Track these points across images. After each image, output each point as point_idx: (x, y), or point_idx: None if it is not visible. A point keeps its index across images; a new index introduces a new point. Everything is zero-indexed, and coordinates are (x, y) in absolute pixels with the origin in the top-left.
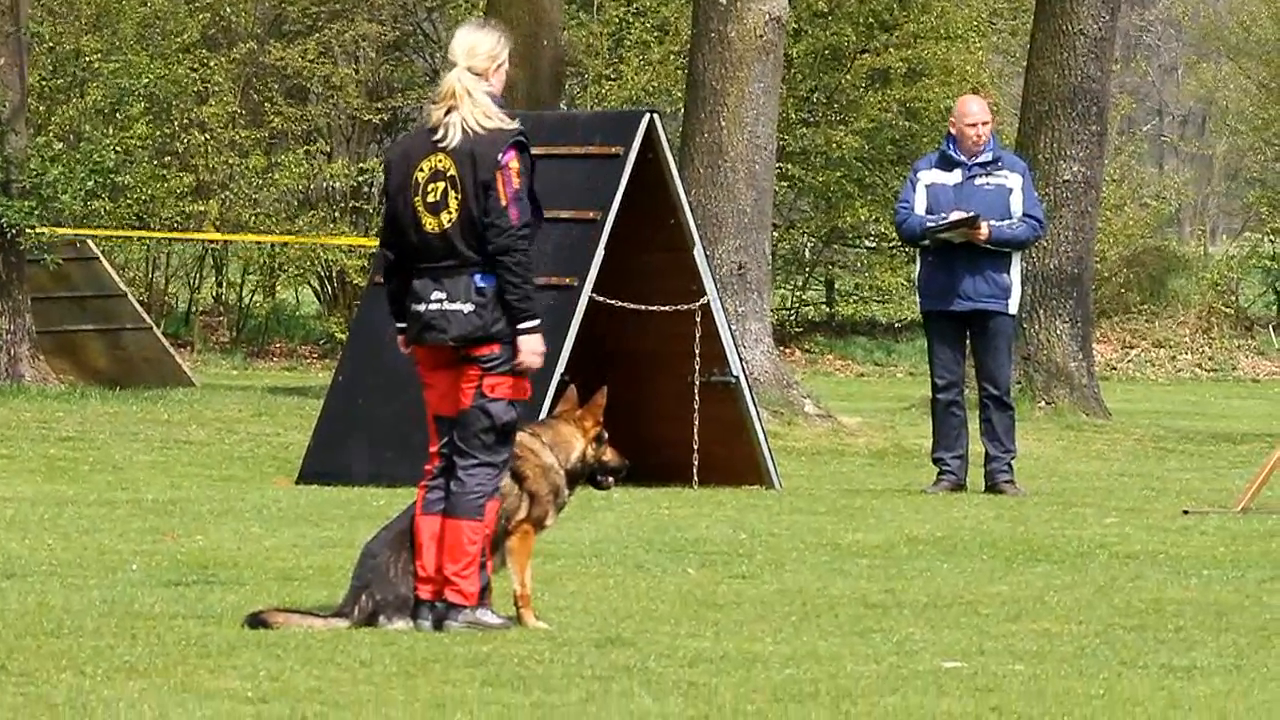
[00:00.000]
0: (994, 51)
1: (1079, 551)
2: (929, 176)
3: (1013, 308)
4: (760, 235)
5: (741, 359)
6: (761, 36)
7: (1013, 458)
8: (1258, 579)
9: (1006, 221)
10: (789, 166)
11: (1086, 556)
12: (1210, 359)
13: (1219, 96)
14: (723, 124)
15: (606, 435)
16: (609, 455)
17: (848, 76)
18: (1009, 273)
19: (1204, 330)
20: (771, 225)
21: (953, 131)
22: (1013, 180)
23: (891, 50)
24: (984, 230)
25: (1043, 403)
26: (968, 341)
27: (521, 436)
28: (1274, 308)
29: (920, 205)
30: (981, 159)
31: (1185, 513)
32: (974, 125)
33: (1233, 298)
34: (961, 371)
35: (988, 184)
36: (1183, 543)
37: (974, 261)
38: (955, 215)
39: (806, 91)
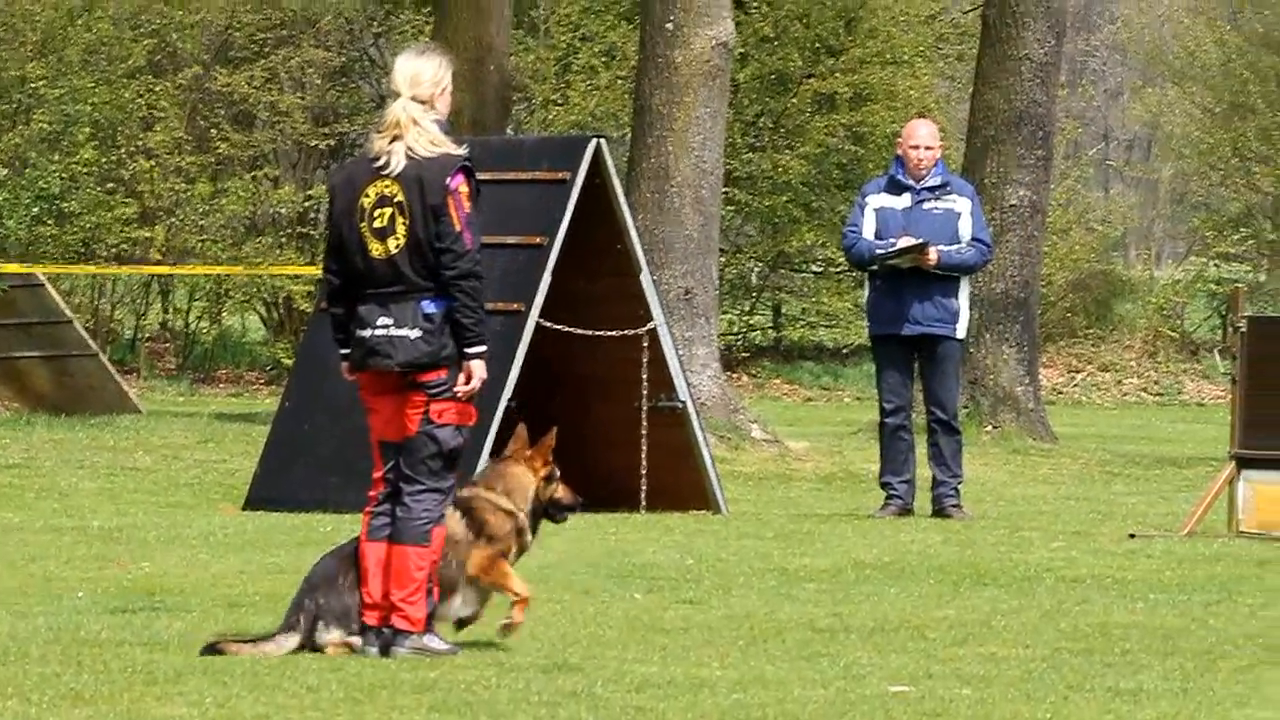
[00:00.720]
0: (940, 76)
1: (1025, 575)
2: (877, 200)
3: (960, 332)
4: (707, 260)
5: (688, 384)
6: (708, 62)
7: (959, 482)
8: (1203, 602)
9: (955, 246)
10: (735, 191)
11: (1033, 580)
12: (1156, 383)
13: (1164, 121)
14: (669, 149)
15: (558, 473)
16: (561, 493)
17: (794, 101)
18: (957, 297)
19: (1150, 354)
20: (718, 250)
21: (900, 155)
22: (961, 204)
23: (838, 75)
24: (933, 255)
25: (989, 427)
26: (916, 366)
27: (476, 492)
28: (1219, 331)
29: (869, 229)
30: (930, 183)
31: (1131, 536)
32: (920, 148)
33: (1178, 322)
34: (909, 396)
35: (936, 208)
36: (1129, 566)
37: (922, 286)
38: (904, 242)
39: (753, 116)
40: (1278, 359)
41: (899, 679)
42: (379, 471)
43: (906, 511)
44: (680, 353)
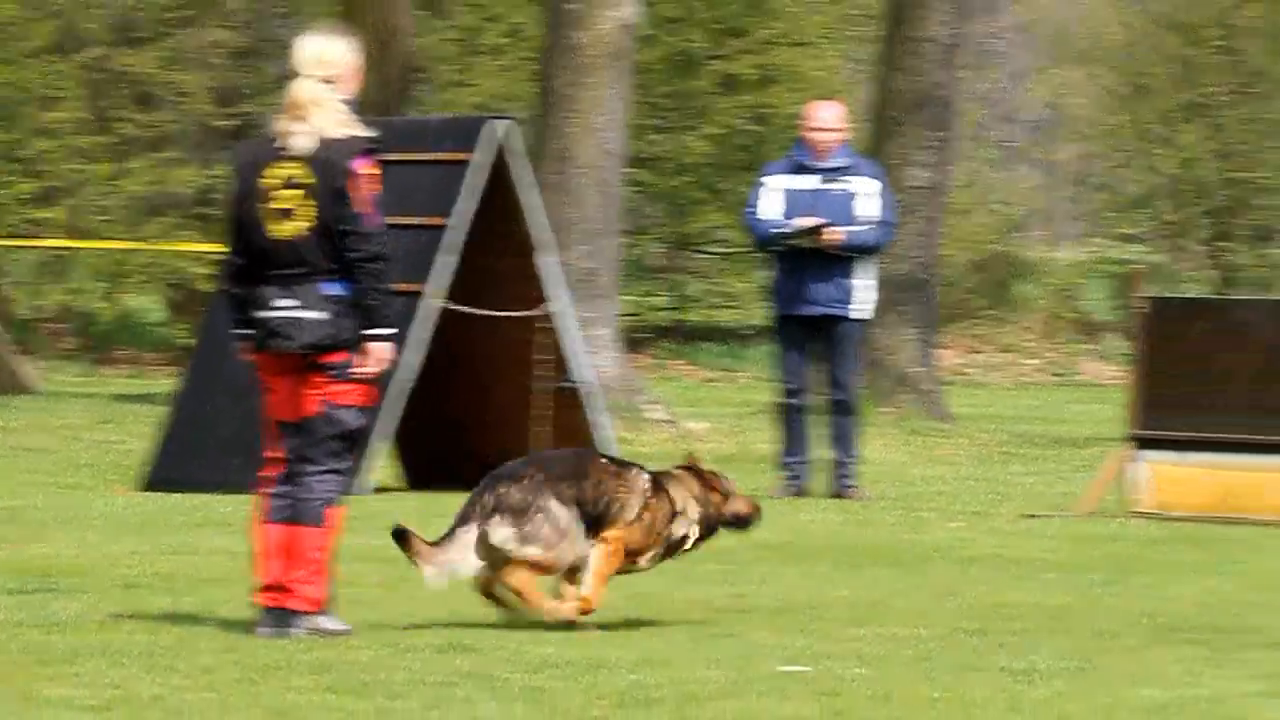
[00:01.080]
0: (845, 58)
1: (922, 556)
2: (781, 182)
3: (860, 313)
4: (609, 241)
5: (589, 365)
6: (612, 43)
7: (857, 463)
8: (1098, 582)
9: (859, 228)
10: (639, 172)
11: (930, 560)
12: (1054, 363)
13: (1067, 103)
14: (573, 130)
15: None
16: (740, 505)
17: (699, 82)
18: (858, 278)
19: (1048, 335)
20: (621, 231)
21: (804, 137)
22: (866, 186)
23: (742, 56)
24: (838, 234)
25: (888, 408)
26: (817, 347)
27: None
28: (1118, 313)
29: (775, 210)
30: (834, 164)
31: (1027, 516)
32: (822, 131)
33: (1077, 303)
34: (808, 377)
35: (838, 190)
36: (1025, 546)
37: (824, 267)
38: (804, 222)
39: (657, 97)
40: (1176, 340)
41: (796, 659)
42: (273, 451)
43: (804, 492)
44: (581, 333)
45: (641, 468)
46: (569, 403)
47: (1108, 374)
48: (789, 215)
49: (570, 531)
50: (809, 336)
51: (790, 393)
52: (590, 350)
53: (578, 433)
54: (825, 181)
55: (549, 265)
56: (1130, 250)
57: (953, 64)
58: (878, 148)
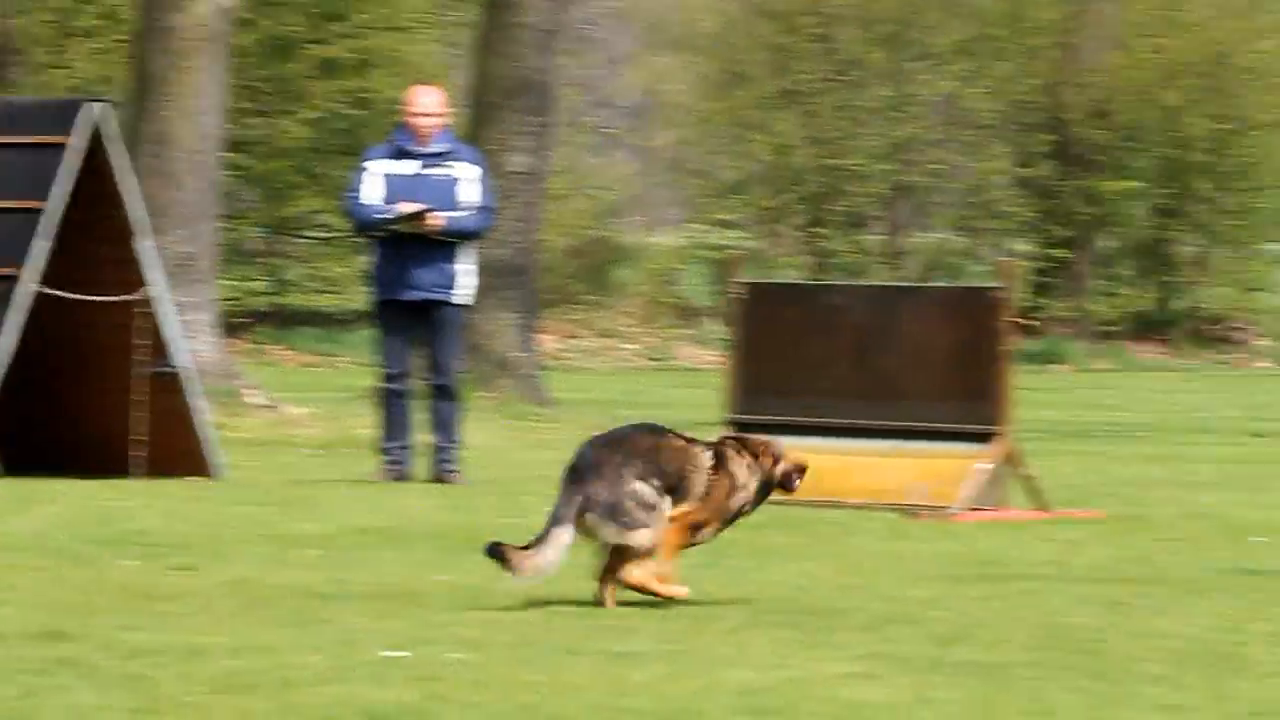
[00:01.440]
0: (443, 43)
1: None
2: (382, 166)
3: (461, 298)
4: (207, 226)
5: (187, 349)
6: (208, 26)
7: (459, 448)
8: (694, 565)
9: (459, 213)
10: (237, 156)
11: None
12: (652, 348)
13: (664, 90)
14: (170, 114)
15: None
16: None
17: (296, 66)
18: (460, 263)
19: (646, 320)
20: (219, 216)
21: (405, 122)
22: (466, 172)
23: (340, 40)
24: (441, 220)
25: (489, 393)
26: (419, 333)
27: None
28: (715, 298)
29: (375, 195)
30: (434, 149)
31: None
32: (423, 115)
33: (674, 287)
34: (409, 361)
35: (439, 175)
36: None
37: (425, 252)
38: (406, 207)
39: (255, 80)
40: (771, 325)
41: (396, 644)
42: None
43: (405, 477)
44: (179, 318)
45: (704, 444)
46: (168, 387)
47: (705, 358)
48: (390, 200)
49: (659, 506)
50: (410, 322)
51: (391, 378)
52: (189, 335)
53: (176, 418)
54: (426, 167)
55: (146, 250)
56: (727, 236)
57: (550, 50)
58: (477, 133)
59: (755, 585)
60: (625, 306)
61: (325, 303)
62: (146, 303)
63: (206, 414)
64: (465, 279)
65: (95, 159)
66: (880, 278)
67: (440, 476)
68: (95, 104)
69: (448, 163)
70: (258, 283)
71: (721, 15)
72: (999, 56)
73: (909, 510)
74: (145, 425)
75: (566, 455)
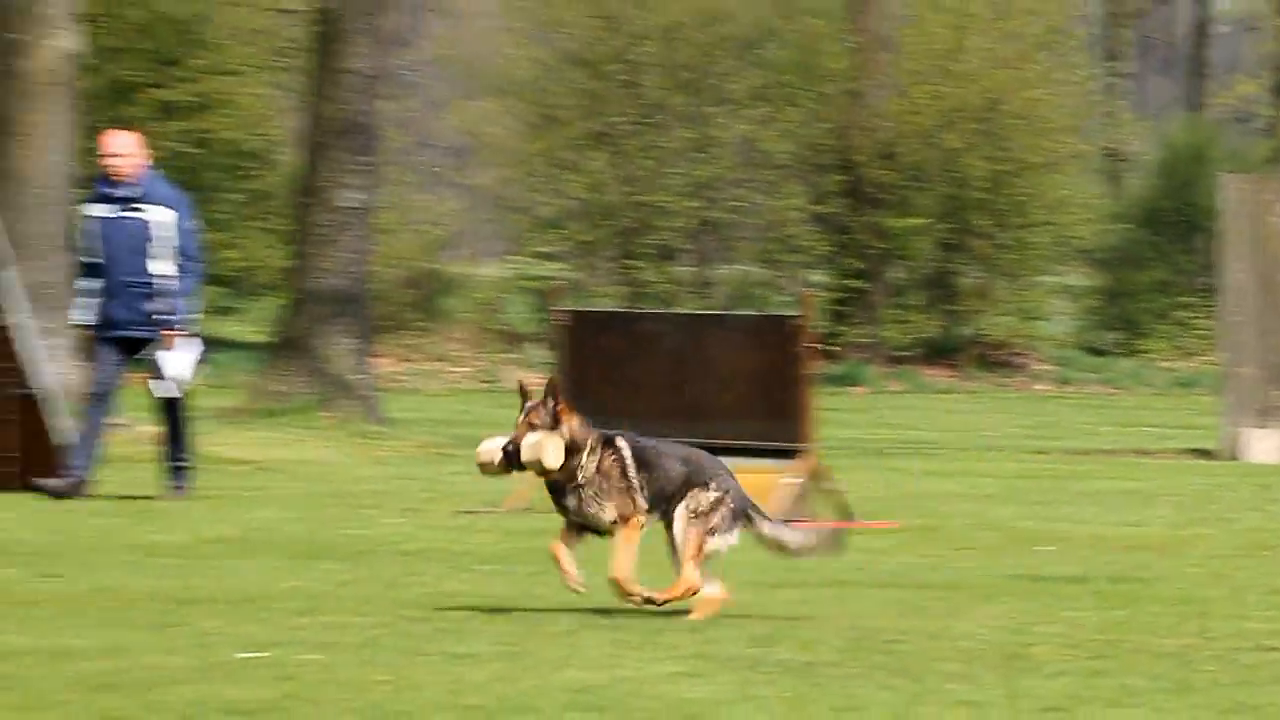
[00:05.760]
0: (277, 87)
1: (365, 550)
2: (89, 210)
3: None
4: (60, 256)
5: (50, 372)
6: (55, 70)
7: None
8: (528, 572)
9: (172, 302)
10: (82, 192)
11: (372, 554)
12: (482, 371)
13: (483, 131)
14: (23, 152)
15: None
16: None
17: (138, 109)
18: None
19: (475, 345)
20: (69, 247)
21: (103, 165)
22: (160, 214)
23: (179, 84)
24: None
25: (329, 412)
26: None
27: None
28: (538, 324)
29: (88, 238)
30: (127, 193)
31: (462, 512)
32: (114, 157)
33: (500, 315)
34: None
35: (133, 217)
36: (460, 540)
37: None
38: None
39: (101, 122)
40: (592, 349)
41: (251, 646)
42: None
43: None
44: (41, 342)
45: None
46: (34, 407)
47: (529, 381)
48: (92, 244)
49: None
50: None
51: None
52: (51, 358)
53: (41, 435)
54: (120, 209)
55: (7, 279)
56: (548, 267)
57: (373, 93)
58: (310, 171)
59: (586, 591)
60: (455, 332)
61: None
62: (10, 329)
63: (69, 432)
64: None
65: None
66: (690, 306)
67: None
68: None
69: (143, 205)
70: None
71: (535, 62)
72: (792, 102)
73: None
74: (15, 443)
75: (404, 470)
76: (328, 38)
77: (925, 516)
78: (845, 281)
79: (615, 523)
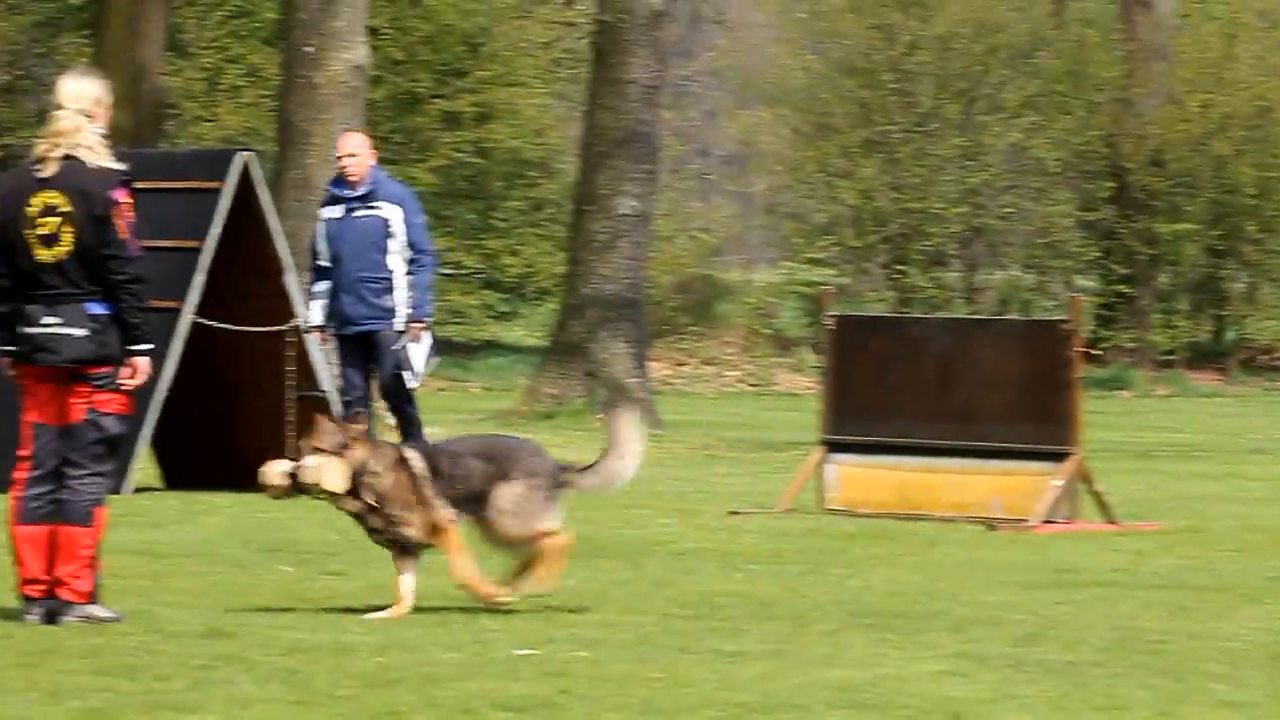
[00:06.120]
0: (557, 97)
1: (638, 549)
2: (323, 213)
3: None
4: None
5: (331, 375)
6: (345, 82)
7: None
8: (797, 572)
9: (409, 296)
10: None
11: (645, 554)
12: (753, 375)
13: (758, 140)
14: (311, 161)
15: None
16: None
17: (423, 119)
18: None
19: (747, 349)
20: None
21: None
22: (390, 211)
23: (463, 95)
24: (417, 327)
25: (604, 415)
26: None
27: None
28: (809, 329)
29: (320, 240)
30: (359, 192)
31: (733, 513)
32: (347, 157)
33: (772, 320)
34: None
35: (365, 215)
36: (731, 540)
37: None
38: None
39: (387, 132)
40: (860, 354)
41: (524, 643)
42: (26, 450)
43: None
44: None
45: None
46: (314, 409)
47: (801, 384)
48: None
49: None
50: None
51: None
52: (331, 362)
53: None
54: (351, 209)
55: (293, 284)
56: (819, 273)
57: (653, 103)
58: (588, 179)
59: (851, 591)
60: (727, 337)
61: (454, 333)
62: (294, 332)
63: None
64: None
65: (244, 202)
66: (958, 311)
67: None
68: (244, 153)
69: (374, 203)
70: None
71: (809, 72)
72: (1063, 110)
73: (990, 523)
74: (293, 444)
75: (677, 472)
76: (608, 49)
77: (1191, 519)
78: (1113, 286)
79: (425, 538)
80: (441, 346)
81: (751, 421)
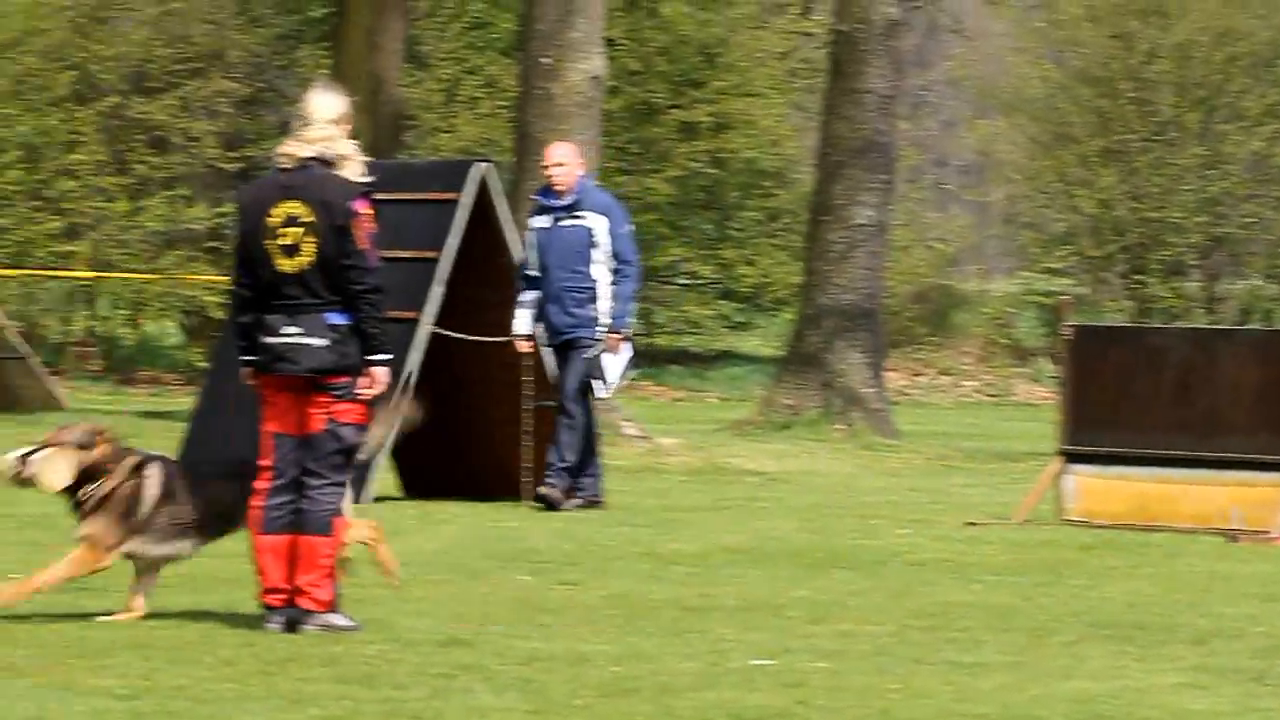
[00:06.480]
0: (792, 107)
1: (875, 559)
2: (532, 222)
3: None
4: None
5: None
6: (581, 93)
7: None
8: (1035, 583)
9: (611, 306)
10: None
11: (881, 564)
12: (990, 385)
13: (995, 149)
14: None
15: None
16: None
17: (659, 129)
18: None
19: (984, 359)
20: None
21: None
22: (596, 221)
23: (699, 106)
24: (615, 338)
25: (841, 425)
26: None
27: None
28: (1047, 339)
29: (529, 250)
30: (566, 202)
31: (970, 524)
32: (555, 167)
33: (1010, 330)
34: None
35: (571, 225)
36: (968, 551)
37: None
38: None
39: (623, 143)
40: (1099, 364)
41: (761, 653)
42: (268, 460)
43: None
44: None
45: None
46: (548, 418)
47: (1039, 394)
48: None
49: None
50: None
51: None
52: None
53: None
54: (557, 218)
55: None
56: (1056, 283)
57: (890, 113)
58: (824, 189)
59: (1090, 602)
60: (964, 347)
61: (691, 343)
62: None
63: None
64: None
65: (481, 213)
66: (1198, 322)
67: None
68: (481, 163)
69: (580, 213)
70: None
71: (1047, 81)
72: None
73: (1230, 534)
74: (533, 453)
75: (913, 482)
76: (845, 59)
77: None
78: None
79: (83, 539)
80: (679, 357)
81: (989, 432)
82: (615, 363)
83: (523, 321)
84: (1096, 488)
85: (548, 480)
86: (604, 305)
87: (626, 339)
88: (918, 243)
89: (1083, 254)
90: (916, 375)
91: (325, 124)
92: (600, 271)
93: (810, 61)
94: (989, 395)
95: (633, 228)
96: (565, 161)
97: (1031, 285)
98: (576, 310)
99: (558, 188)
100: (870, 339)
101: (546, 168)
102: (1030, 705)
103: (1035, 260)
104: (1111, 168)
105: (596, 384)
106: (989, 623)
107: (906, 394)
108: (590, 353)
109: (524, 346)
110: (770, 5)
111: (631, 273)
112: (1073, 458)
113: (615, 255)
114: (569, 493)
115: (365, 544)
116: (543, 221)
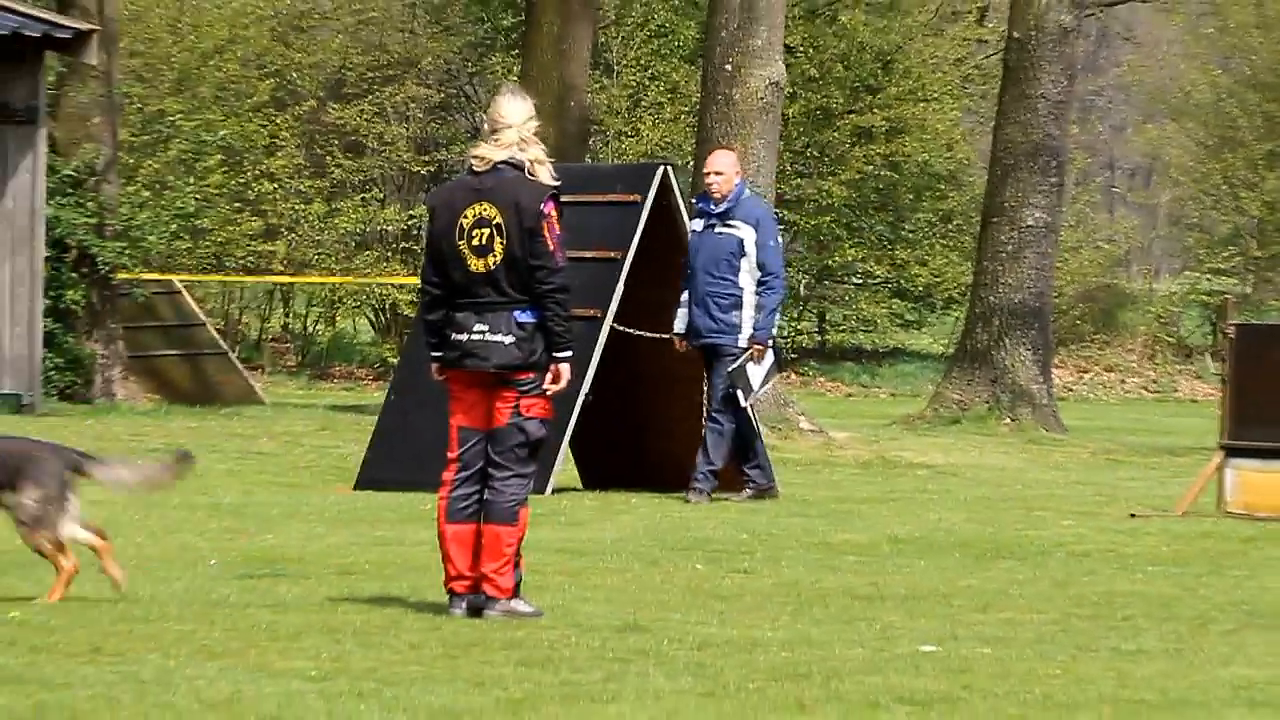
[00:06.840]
0: (965, 112)
1: (1039, 550)
2: (691, 225)
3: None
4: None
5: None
6: (762, 99)
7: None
8: (1196, 574)
9: (754, 316)
10: (785, 212)
11: (1046, 554)
12: (1155, 382)
13: (1162, 152)
14: None
15: None
16: None
17: (836, 134)
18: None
19: (1149, 357)
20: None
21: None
22: (745, 230)
23: (875, 111)
24: (759, 348)
25: (1008, 420)
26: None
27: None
28: (1210, 337)
29: (690, 253)
30: (720, 209)
31: (1133, 516)
32: (715, 174)
33: (1174, 329)
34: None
35: (722, 232)
36: (1130, 542)
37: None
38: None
39: (801, 147)
40: (1261, 361)
41: (928, 640)
42: (454, 453)
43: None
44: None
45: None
46: None
47: (1201, 391)
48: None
49: None
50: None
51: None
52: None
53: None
54: (710, 224)
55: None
56: (1220, 282)
57: (1062, 118)
58: (996, 192)
59: (1250, 592)
60: (1130, 345)
61: (864, 340)
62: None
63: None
64: (744, 325)
65: (663, 215)
66: None
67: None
68: (663, 167)
69: (732, 221)
70: (806, 322)
71: (1215, 86)
72: None
73: None
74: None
75: (1078, 475)
76: (1018, 65)
77: None
78: None
79: None
80: (852, 354)
81: (1152, 427)
82: (757, 372)
83: (678, 321)
84: (1257, 481)
85: (695, 485)
86: (748, 314)
87: (769, 349)
88: (1086, 244)
89: (1247, 255)
90: (1083, 372)
91: (516, 129)
92: (746, 280)
93: (983, 68)
94: (1153, 392)
95: (780, 242)
96: (724, 170)
97: (1196, 285)
98: (719, 315)
99: (714, 195)
100: (1038, 337)
101: (707, 174)
102: (1189, 691)
103: (1200, 261)
104: (1277, 170)
105: (739, 393)
106: (1150, 611)
107: (1072, 390)
108: (733, 364)
109: (679, 345)
110: (946, 13)
111: (776, 285)
112: (1234, 452)
113: (760, 266)
114: (739, 486)
115: (93, 549)
116: (697, 226)
